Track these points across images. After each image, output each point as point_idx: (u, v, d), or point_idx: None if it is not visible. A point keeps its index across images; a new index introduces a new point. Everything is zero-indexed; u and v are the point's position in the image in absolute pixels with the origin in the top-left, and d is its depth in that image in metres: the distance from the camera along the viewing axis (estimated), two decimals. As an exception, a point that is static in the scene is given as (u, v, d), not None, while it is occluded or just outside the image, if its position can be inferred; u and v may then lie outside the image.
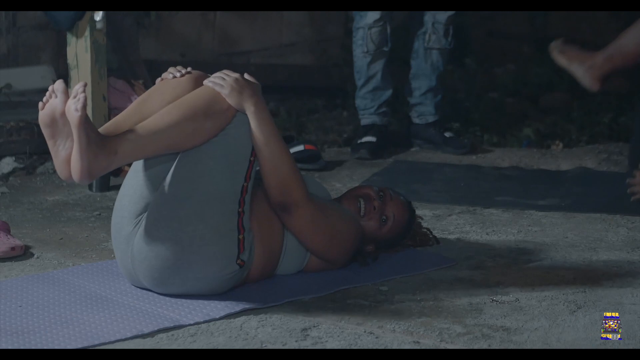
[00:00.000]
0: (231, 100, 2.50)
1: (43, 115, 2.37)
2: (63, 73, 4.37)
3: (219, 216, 2.48)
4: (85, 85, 2.34)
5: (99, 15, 3.80)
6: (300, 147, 4.17)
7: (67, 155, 2.36)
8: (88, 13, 3.79)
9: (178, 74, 2.61)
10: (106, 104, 3.87)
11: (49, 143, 2.39)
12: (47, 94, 2.37)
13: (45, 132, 2.38)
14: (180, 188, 2.48)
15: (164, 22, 5.30)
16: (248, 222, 2.53)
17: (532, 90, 5.58)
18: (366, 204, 2.79)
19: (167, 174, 2.51)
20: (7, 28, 4.68)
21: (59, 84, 2.36)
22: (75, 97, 2.31)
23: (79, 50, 3.84)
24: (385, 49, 4.44)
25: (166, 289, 2.55)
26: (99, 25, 3.82)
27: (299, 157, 4.05)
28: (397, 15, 4.70)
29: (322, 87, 5.55)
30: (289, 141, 4.15)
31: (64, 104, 2.34)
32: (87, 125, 2.31)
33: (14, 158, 4.03)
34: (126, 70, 4.58)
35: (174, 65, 2.67)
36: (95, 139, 2.33)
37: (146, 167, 2.55)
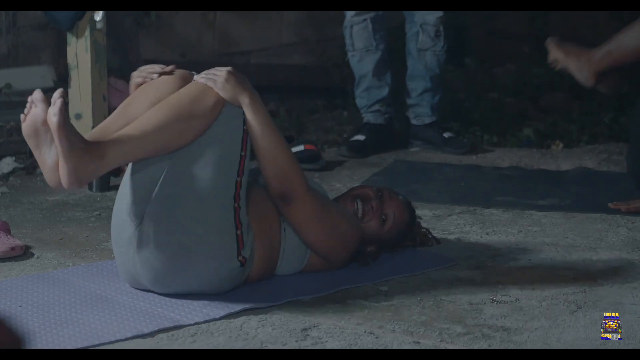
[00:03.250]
0: (225, 94, 2.48)
1: (25, 127, 2.35)
2: (63, 73, 4.38)
3: (215, 213, 2.47)
4: (63, 91, 2.31)
5: (99, 15, 3.80)
6: (300, 147, 4.17)
7: (54, 163, 2.33)
8: (88, 13, 3.80)
9: (159, 70, 2.58)
10: (106, 104, 3.88)
11: (35, 154, 2.36)
12: (27, 105, 2.34)
13: (30, 143, 2.36)
14: (174, 190, 2.47)
15: (164, 22, 5.30)
16: (245, 217, 2.53)
17: (532, 90, 5.58)
18: (364, 204, 2.79)
19: (162, 175, 2.50)
20: (7, 28, 4.68)
21: (36, 94, 2.33)
22: (54, 103, 2.29)
23: (79, 50, 3.84)
24: (372, 48, 4.44)
25: (169, 290, 2.55)
26: (99, 25, 3.82)
27: (299, 157, 4.03)
28: (398, 15, 4.70)
29: (322, 87, 5.55)
30: (289, 141, 4.15)
31: (44, 113, 2.31)
32: (68, 129, 2.28)
33: (14, 158, 4.03)
34: (126, 70, 4.59)
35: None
36: (79, 143, 2.29)
37: (141, 168, 2.53)
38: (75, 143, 2.29)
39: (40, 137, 2.34)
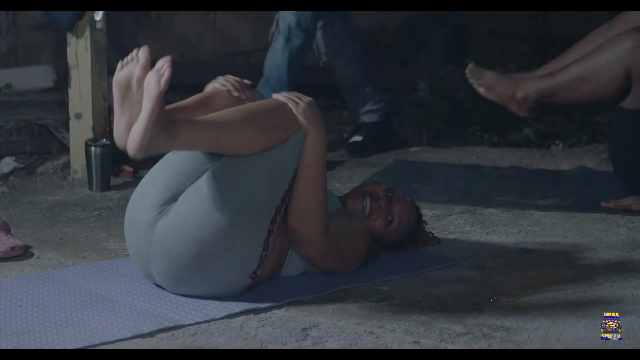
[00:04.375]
0: (302, 119, 2.54)
1: (120, 76, 2.38)
2: (63, 73, 4.38)
3: (251, 228, 2.49)
4: (172, 59, 2.35)
5: (99, 15, 3.80)
6: (301, 147, 4.16)
7: (130, 122, 2.36)
8: (88, 13, 3.80)
9: (235, 93, 2.66)
10: (106, 104, 3.87)
11: (116, 104, 2.39)
12: (130, 56, 2.38)
13: (116, 91, 2.39)
14: (220, 192, 2.48)
15: (164, 22, 5.30)
16: (274, 242, 2.55)
17: (532, 90, 5.56)
18: (372, 202, 2.80)
19: (203, 172, 2.53)
20: (7, 28, 4.68)
21: (144, 49, 2.37)
22: (159, 70, 2.33)
23: (79, 50, 3.84)
24: (338, 52, 4.42)
25: (176, 285, 2.55)
26: (99, 25, 3.82)
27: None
28: (398, 15, 4.69)
29: (322, 87, 5.54)
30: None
31: (142, 71, 2.35)
32: (162, 102, 2.33)
33: (14, 158, 4.03)
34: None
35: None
36: (163, 119, 2.33)
37: (180, 161, 2.57)
38: (161, 118, 2.32)
39: (130, 92, 2.37)
